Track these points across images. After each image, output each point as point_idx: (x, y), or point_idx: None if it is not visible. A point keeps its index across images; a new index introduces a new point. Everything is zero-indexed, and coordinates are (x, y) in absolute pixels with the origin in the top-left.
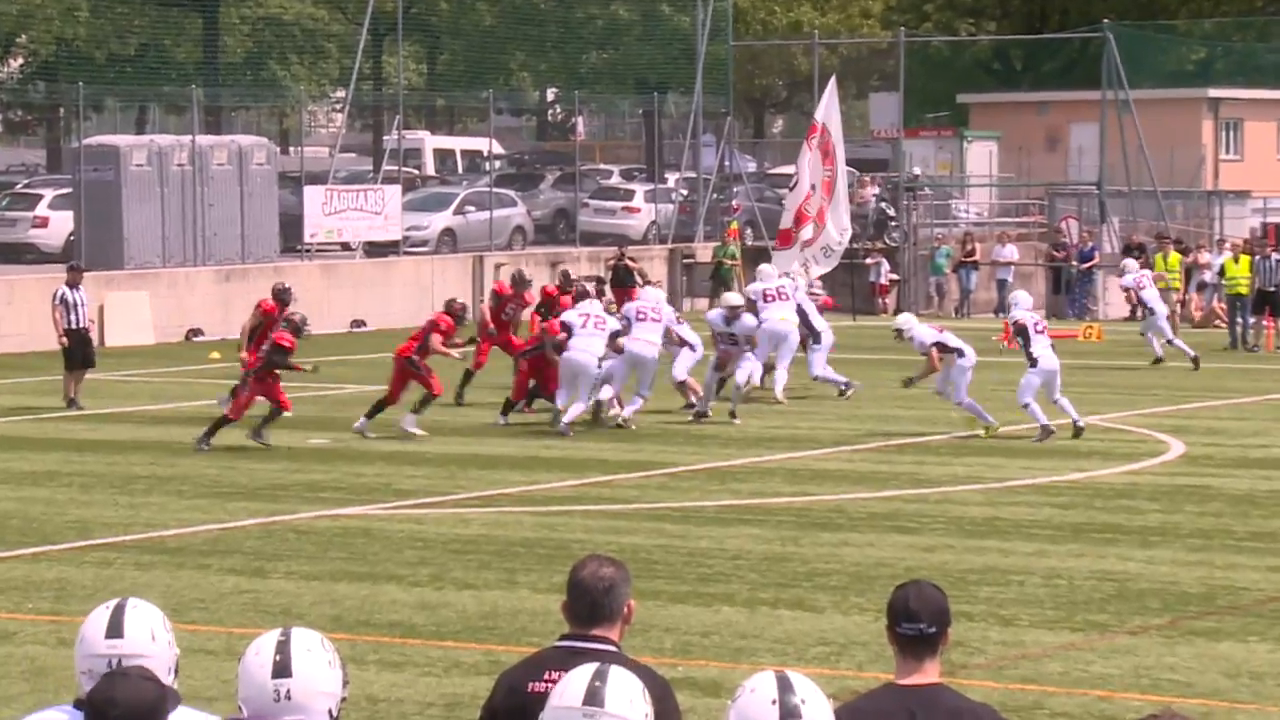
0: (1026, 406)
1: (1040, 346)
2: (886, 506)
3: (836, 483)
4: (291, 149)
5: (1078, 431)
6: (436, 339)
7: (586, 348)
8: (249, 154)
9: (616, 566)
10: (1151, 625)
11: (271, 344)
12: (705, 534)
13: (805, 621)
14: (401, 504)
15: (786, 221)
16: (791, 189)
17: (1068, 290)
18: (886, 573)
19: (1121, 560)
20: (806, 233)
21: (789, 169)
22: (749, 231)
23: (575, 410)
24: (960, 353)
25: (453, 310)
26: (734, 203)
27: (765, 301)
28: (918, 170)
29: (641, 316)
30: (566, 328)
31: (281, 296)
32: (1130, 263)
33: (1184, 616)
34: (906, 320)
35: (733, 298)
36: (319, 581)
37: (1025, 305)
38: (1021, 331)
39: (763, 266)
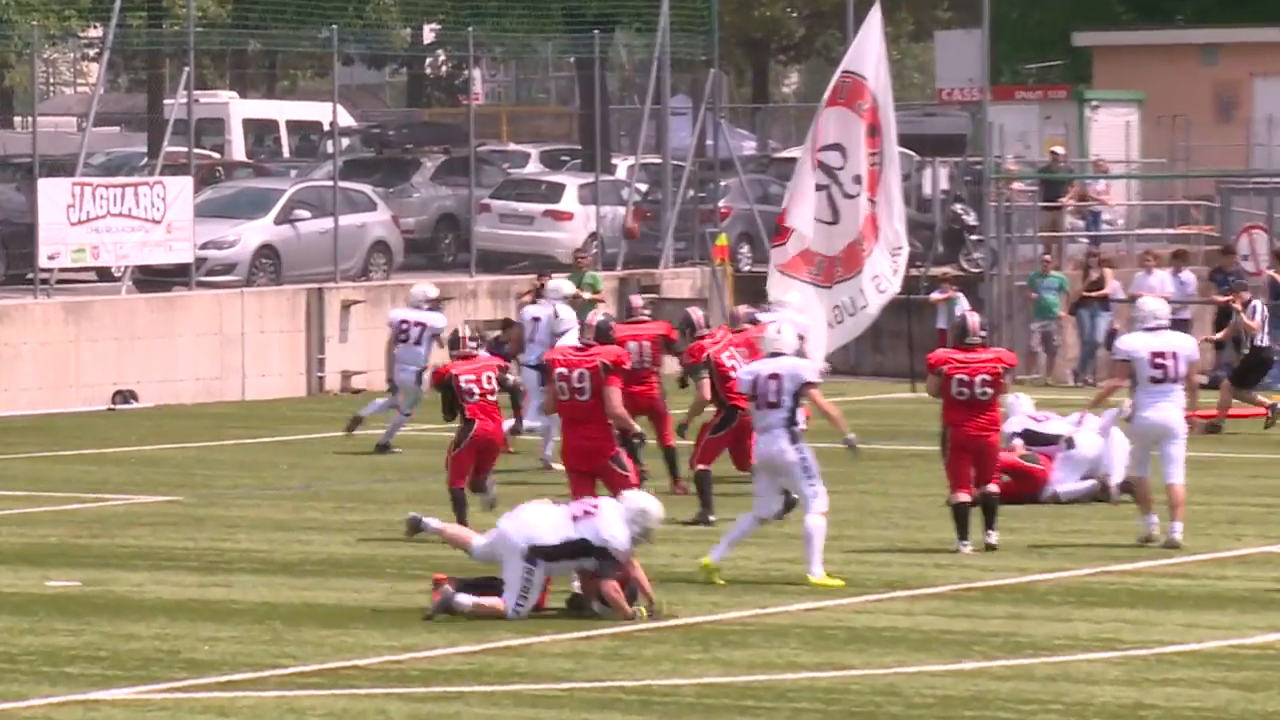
0: None
1: None
2: (967, 686)
3: (889, 647)
4: (17, 119)
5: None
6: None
7: None
8: None
9: None
10: None
11: None
12: None
13: None
14: (196, 681)
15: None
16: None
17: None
18: None
19: None
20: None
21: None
22: (745, 250)
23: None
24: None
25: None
26: (722, 205)
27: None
28: (1011, 154)
29: None
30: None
31: None
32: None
33: None
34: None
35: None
36: None
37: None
38: None
39: (555, 282)
